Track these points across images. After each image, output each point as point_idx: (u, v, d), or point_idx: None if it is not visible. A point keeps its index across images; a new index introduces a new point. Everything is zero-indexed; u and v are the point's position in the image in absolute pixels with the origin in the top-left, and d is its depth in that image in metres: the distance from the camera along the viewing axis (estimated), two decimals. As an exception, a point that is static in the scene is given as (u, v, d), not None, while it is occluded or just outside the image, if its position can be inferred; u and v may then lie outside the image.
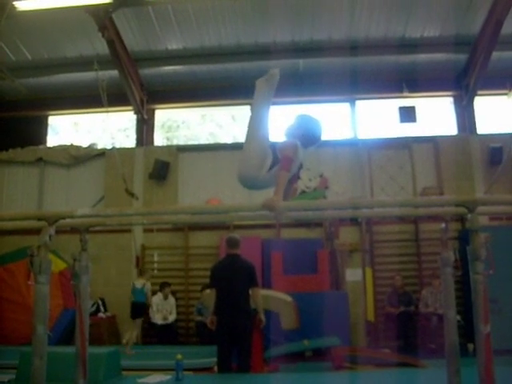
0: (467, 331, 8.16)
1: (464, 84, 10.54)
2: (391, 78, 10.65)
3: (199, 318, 9.31)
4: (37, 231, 3.56)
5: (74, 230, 4.45)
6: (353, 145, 10.74)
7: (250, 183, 3.64)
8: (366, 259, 9.92)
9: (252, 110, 3.75)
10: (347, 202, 5.47)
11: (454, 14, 9.49)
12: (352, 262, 10.05)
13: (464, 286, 7.97)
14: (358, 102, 11.23)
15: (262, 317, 6.09)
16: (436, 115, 11.12)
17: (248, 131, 3.67)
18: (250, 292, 6.00)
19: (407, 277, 9.74)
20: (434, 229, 9.65)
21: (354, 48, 10.10)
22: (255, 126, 3.66)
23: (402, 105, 10.65)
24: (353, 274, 9.91)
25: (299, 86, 10.78)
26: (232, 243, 6.27)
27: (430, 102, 11.19)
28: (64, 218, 3.63)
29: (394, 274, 9.56)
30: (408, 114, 10.54)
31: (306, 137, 3.78)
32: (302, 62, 10.61)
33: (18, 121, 11.66)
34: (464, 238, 8.23)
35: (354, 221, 9.95)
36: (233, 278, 6.02)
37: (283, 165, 3.42)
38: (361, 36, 10.04)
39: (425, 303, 9.12)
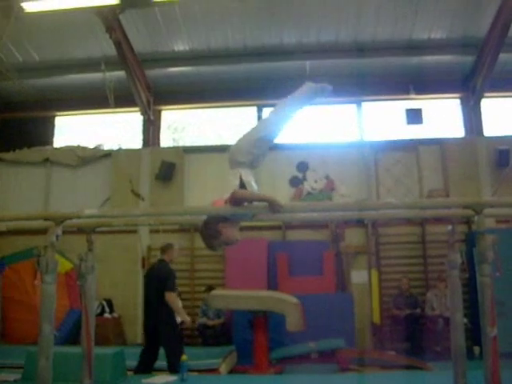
0: (473, 334, 8.13)
1: (471, 86, 10.50)
2: (398, 79, 10.63)
3: (201, 320, 9.30)
4: (43, 231, 3.58)
5: (80, 230, 4.46)
6: (359, 147, 10.71)
7: (234, 162, 3.67)
8: (371, 261, 9.89)
9: (283, 104, 3.80)
10: (353, 203, 5.48)
11: (461, 16, 9.47)
12: (358, 264, 10.02)
13: (470, 289, 7.94)
14: (365, 104, 11.22)
15: (184, 318, 6.72)
16: (443, 117, 11.08)
17: (263, 121, 3.70)
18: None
19: (413, 279, 9.70)
20: (441, 231, 9.61)
21: (360, 50, 10.11)
22: (270, 122, 3.75)
23: (408, 107, 10.63)
24: (358, 276, 9.88)
25: (305, 87, 10.76)
26: (161, 249, 6.93)
27: (437, 103, 11.16)
28: (71, 219, 3.64)
29: (400, 277, 9.54)
30: (415, 116, 10.51)
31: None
32: (308, 64, 10.59)
33: (25, 121, 11.71)
34: (471, 240, 8.20)
35: (359, 223, 9.93)
36: (149, 282, 6.74)
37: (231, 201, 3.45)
38: (367, 38, 10.03)
39: (431, 306, 9.09)
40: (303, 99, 3.79)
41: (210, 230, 3.54)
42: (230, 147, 3.72)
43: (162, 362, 6.72)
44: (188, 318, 6.80)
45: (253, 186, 3.62)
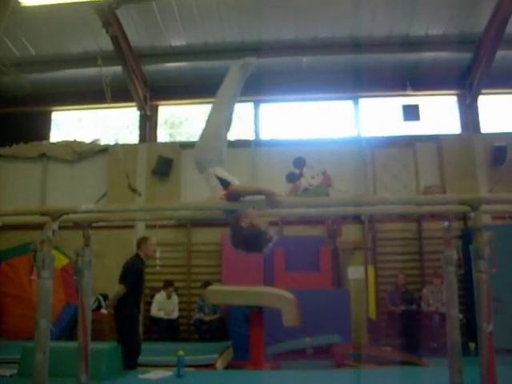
0: (469, 330, 8.15)
1: (468, 83, 10.52)
2: (395, 76, 10.61)
3: (198, 316, 9.32)
4: (40, 226, 3.57)
5: (76, 225, 4.46)
6: (356, 143, 10.72)
7: (203, 164, 3.70)
8: (368, 257, 9.92)
9: (222, 92, 3.76)
10: (350, 199, 5.48)
11: (458, 13, 9.47)
12: (354, 260, 10.04)
13: (466, 285, 7.96)
14: (362, 100, 11.21)
15: (108, 309, 7.10)
16: (440, 114, 11.10)
17: (211, 115, 3.72)
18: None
19: (409, 275, 9.73)
20: (437, 227, 9.64)
21: (357, 46, 10.10)
22: (218, 112, 3.73)
23: (405, 103, 10.64)
24: (355, 272, 9.90)
25: (302, 83, 10.78)
26: (136, 243, 6.89)
27: (434, 100, 11.17)
28: (67, 214, 3.64)
29: (397, 273, 9.56)
30: (412, 113, 10.52)
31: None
32: (305, 60, 10.59)
33: (22, 116, 11.67)
34: (467, 236, 8.18)
35: (356, 218, 9.95)
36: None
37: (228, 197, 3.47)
38: (364, 34, 10.02)
39: (426, 302, 9.12)
40: (237, 80, 3.78)
41: (245, 225, 3.49)
42: (194, 153, 3.77)
43: (157, 358, 6.73)
44: (108, 311, 7.11)
45: (234, 179, 3.61)
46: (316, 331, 8.09)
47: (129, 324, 6.39)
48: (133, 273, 6.45)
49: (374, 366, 7.35)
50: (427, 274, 9.70)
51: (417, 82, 10.60)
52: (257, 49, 10.21)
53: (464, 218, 9.20)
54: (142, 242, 6.74)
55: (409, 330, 8.96)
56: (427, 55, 10.37)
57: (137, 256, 6.66)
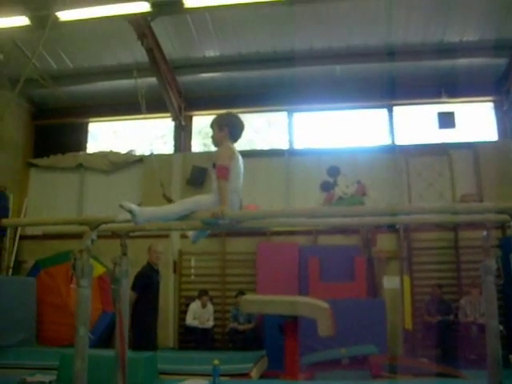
0: (509, 342, 7.97)
1: (504, 89, 10.33)
2: (430, 83, 10.48)
3: (232, 325, 9.34)
4: (77, 236, 3.63)
5: (112, 234, 4.53)
6: (390, 151, 10.62)
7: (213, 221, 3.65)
8: (403, 267, 9.79)
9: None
10: (385, 208, 5.43)
11: (493, 18, 9.33)
12: (389, 270, 9.93)
13: (505, 295, 7.80)
14: (396, 108, 11.12)
15: None
16: (476, 121, 10.92)
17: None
18: None
19: (446, 285, 9.56)
20: (474, 236, 9.48)
21: (391, 53, 10.03)
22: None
23: (440, 110, 10.52)
24: (390, 282, 9.78)
25: (336, 91, 10.74)
26: None
27: (470, 107, 11.00)
28: (106, 223, 3.70)
29: (433, 283, 9.41)
30: (447, 120, 10.40)
31: (232, 132, 3.89)
32: (338, 68, 10.57)
33: (60, 128, 11.94)
34: (505, 245, 8.05)
35: (391, 228, 9.84)
36: None
37: (219, 174, 3.59)
38: (398, 41, 9.95)
39: (464, 312, 8.95)
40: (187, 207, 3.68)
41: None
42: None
43: (192, 366, 6.76)
44: None
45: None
46: (351, 341, 8.01)
47: (142, 330, 6.58)
48: (142, 279, 6.80)
49: (410, 377, 7.23)
50: (464, 284, 9.53)
51: (452, 89, 10.44)
52: (289, 58, 10.25)
53: (502, 226, 9.02)
54: (148, 250, 7.21)
55: (446, 341, 8.80)
56: (462, 61, 10.21)
57: (147, 263, 7.14)
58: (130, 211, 3.39)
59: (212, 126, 3.96)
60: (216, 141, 3.91)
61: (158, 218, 3.68)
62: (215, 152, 3.84)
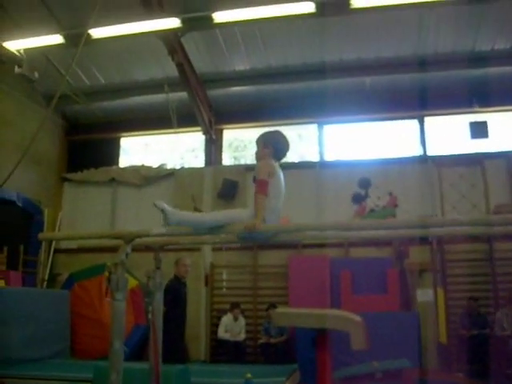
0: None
1: (538, 97, 10.17)
2: (461, 92, 10.36)
3: (264, 338, 9.31)
4: (109, 249, 3.69)
5: (144, 248, 4.57)
6: (422, 162, 10.52)
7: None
8: (437, 279, 9.63)
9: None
10: (418, 220, 5.37)
11: (526, 26, 9.22)
12: (423, 282, 9.78)
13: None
14: (427, 119, 11.01)
15: None
16: (509, 130, 10.75)
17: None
18: None
19: (481, 298, 9.38)
20: (510, 248, 9.32)
21: (421, 63, 9.96)
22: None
23: (472, 120, 10.38)
24: (424, 295, 9.63)
25: (366, 103, 10.69)
26: None
27: (503, 116, 10.83)
28: (140, 237, 3.74)
29: (467, 295, 9.25)
30: (479, 130, 10.25)
31: (276, 150, 3.91)
32: (368, 80, 10.53)
33: (92, 143, 12.16)
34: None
35: (423, 240, 9.70)
36: None
37: (258, 189, 3.59)
38: (429, 51, 9.88)
39: (500, 326, 8.75)
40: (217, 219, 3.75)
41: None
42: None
43: (225, 379, 6.74)
44: None
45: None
46: (384, 355, 7.89)
47: (171, 343, 6.54)
48: (169, 292, 6.64)
49: (445, 391, 7.11)
50: (501, 297, 9.34)
51: (484, 98, 10.30)
52: (319, 70, 10.26)
53: (538, 238, 8.84)
54: (176, 263, 7.23)
55: (481, 356, 8.59)
56: (494, 70, 10.07)
57: (174, 277, 7.17)
58: (163, 210, 3.42)
59: (258, 141, 3.94)
60: (259, 157, 3.90)
61: (189, 223, 3.68)
62: (256, 166, 3.82)
